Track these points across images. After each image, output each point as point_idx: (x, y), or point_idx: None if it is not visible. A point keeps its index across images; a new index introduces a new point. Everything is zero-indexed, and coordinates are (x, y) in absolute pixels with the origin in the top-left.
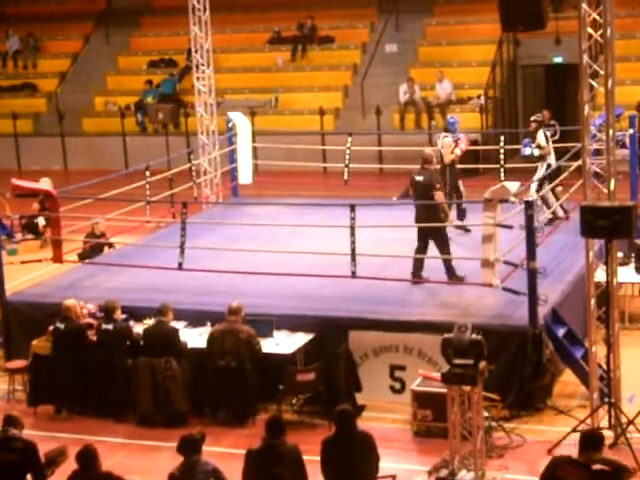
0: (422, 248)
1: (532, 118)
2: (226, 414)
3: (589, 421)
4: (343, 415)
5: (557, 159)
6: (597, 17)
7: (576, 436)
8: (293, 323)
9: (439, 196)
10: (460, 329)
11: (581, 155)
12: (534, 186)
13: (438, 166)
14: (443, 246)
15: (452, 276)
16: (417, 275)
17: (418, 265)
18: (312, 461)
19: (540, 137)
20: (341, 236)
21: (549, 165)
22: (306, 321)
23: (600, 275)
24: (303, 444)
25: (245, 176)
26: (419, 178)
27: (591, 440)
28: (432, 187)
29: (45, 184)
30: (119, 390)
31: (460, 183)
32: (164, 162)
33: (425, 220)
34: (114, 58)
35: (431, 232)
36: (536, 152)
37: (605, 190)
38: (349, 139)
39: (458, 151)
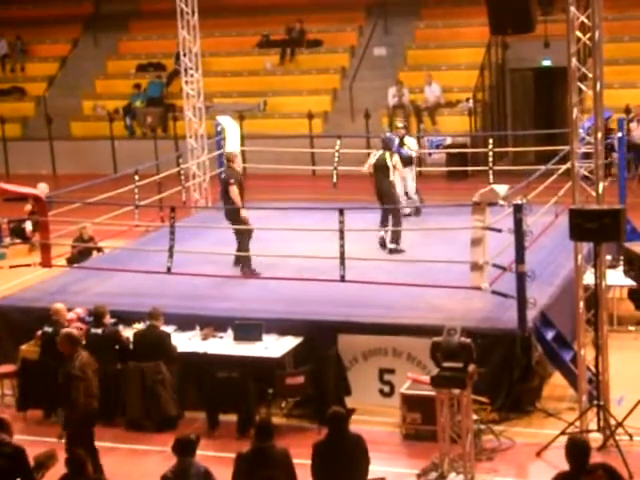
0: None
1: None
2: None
3: (578, 424)
4: (335, 417)
5: (545, 162)
6: (585, 20)
7: (565, 439)
8: (282, 327)
9: (232, 190)
10: (449, 332)
11: (570, 158)
12: None
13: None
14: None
15: (243, 268)
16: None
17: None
18: (302, 465)
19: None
20: (330, 239)
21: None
22: (295, 325)
23: (589, 278)
24: (292, 448)
25: None
26: (222, 175)
27: (580, 446)
28: (227, 182)
29: (42, 190)
30: (108, 394)
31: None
32: (153, 166)
33: (230, 212)
34: (102, 62)
35: (234, 224)
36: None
37: (594, 193)
38: (338, 142)
39: None
